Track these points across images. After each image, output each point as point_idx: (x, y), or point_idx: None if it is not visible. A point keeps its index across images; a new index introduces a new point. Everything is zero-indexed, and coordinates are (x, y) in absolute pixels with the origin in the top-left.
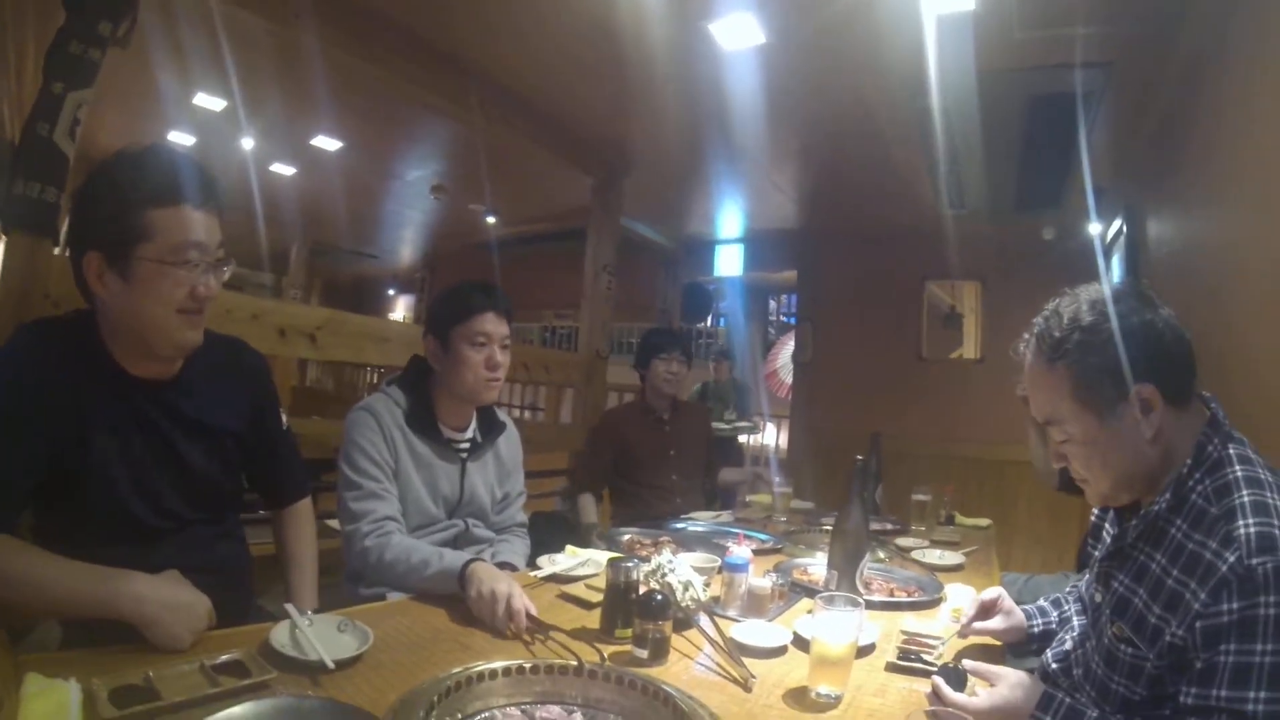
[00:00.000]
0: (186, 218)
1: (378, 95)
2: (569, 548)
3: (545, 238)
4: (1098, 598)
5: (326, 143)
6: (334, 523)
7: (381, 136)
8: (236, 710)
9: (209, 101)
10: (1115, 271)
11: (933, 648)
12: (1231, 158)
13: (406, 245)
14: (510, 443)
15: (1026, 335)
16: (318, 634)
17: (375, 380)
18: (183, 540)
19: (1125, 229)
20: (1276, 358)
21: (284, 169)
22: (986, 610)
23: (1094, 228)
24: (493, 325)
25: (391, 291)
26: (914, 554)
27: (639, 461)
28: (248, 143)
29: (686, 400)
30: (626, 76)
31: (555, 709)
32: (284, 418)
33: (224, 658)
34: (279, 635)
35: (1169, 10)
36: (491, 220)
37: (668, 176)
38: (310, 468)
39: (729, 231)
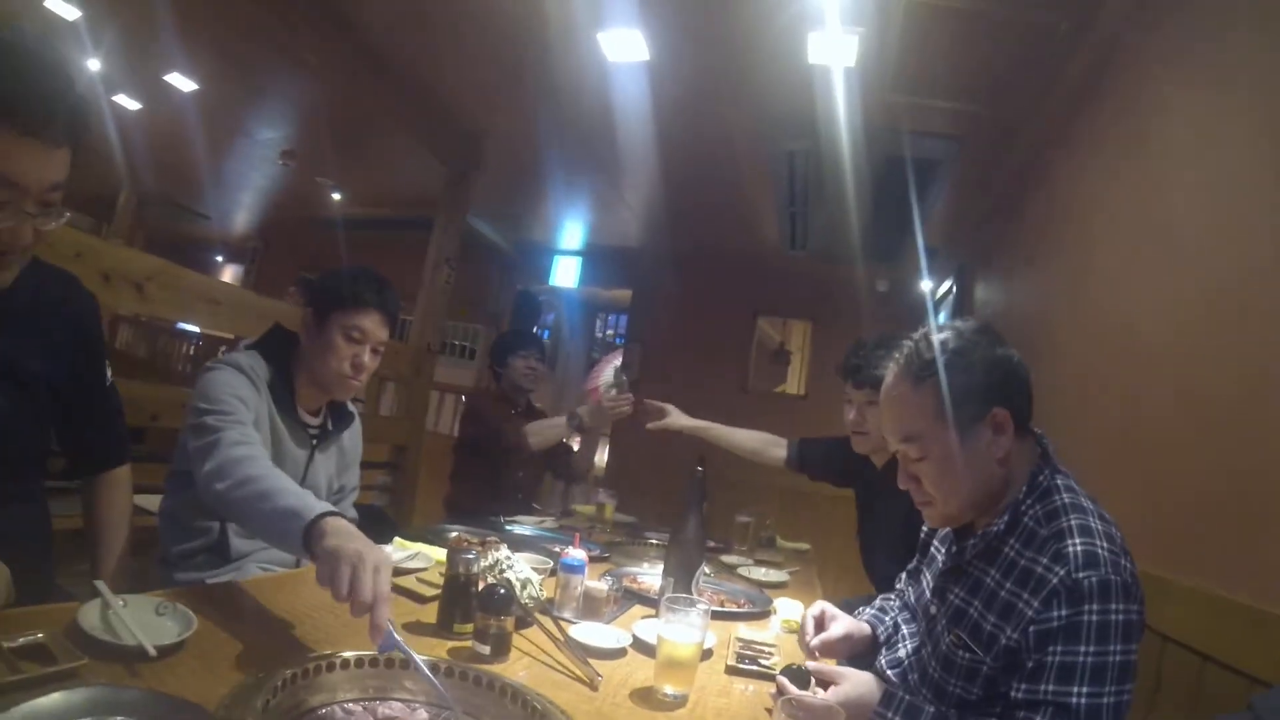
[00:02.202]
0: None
1: (244, 36)
2: (397, 540)
3: (386, 223)
4: (933, 610)
5: (180, 81)
6: (142, 499)
7: (240, 86)
8: (45, 701)
9: (61, 8)
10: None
11: (769, 653)
12: (1054, 238)
13: (243, 210)
14: (354, 436)
15: (896, 355)
16: (134, 617)
17: (192, 352)
18: None
19: (955, 289)
20: (1080, 416)
21: (129, 102)
22: (819, 624)
23: (926, 284)
24: (373, 325)
25: (220, 258)
26: (740, 570)
27: (496, 447)
28: (94, 65)
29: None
30: (506, 67)
31: (397, 705)
32: (109, 373)
33: (24, 640)
34: (88, 616)
35: (1020, 103)
36: (337, 197)
37: (521, 177)
38: None
39: (570, 242)
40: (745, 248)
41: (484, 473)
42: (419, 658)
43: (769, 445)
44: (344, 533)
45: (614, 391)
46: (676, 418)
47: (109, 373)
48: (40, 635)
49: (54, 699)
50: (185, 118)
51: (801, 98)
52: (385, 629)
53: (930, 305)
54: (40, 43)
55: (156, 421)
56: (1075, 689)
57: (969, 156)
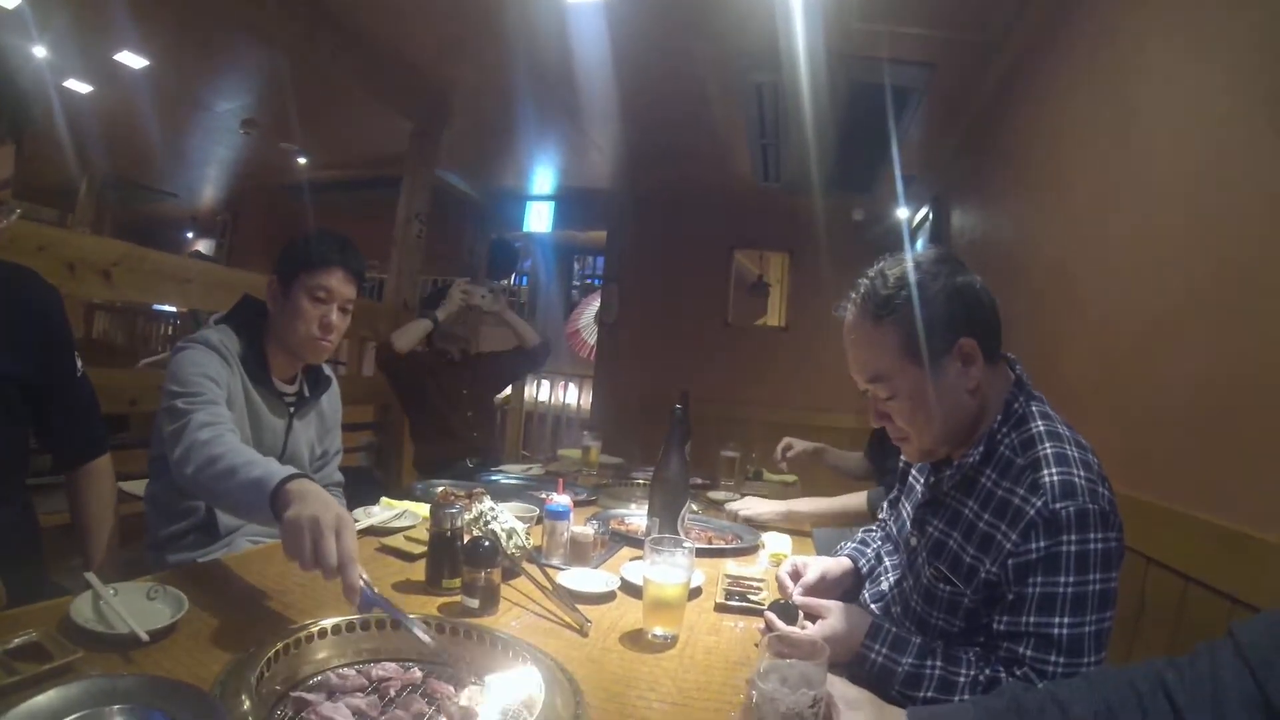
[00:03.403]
0: None
1: (194, 7)
2: (384, 500)
3: (355, 184)
4: (913, 542)
5: (131, 59)
6: (129, 485)
7: (193, 59)
8: (42, 699)
9: None
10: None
11: (758, 589)
12: (1030, 162)
13: (210, 184)
14: (333, 399)
15: (852, 294)
16: (125, 604)
17: (170, 333)
18: None
19: (931, 216)
20: (1055, 340)
21: (79, 86)
22: (795, 577)
23: (902, 212)
24: (338, 283)
25: (190, 234)
26: (727, 506)
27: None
28: (40, 51)
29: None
30: (464, 15)
31: (391, 666)
32: (79, 363)
33: (18, 640)
34: (81, 609)
35: (992, 24)
36: (303, 162)
37: (487, 127)
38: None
39: (541, 188)
40: (718, 182)
41: (432, 423)
42: (398, 611)
43: (858, 468)
44: (304, 496)
45: (484, 293)
46: (795, 442)
47: (79, 364)
48: (34, 634)
49: (50, 696)
50: (139, 97)
51: (765, 28)
52: (359, 588)
53: (906, 233)
54: None
55: (136, 406)
56: (1057, 619)
57: (942, 83)
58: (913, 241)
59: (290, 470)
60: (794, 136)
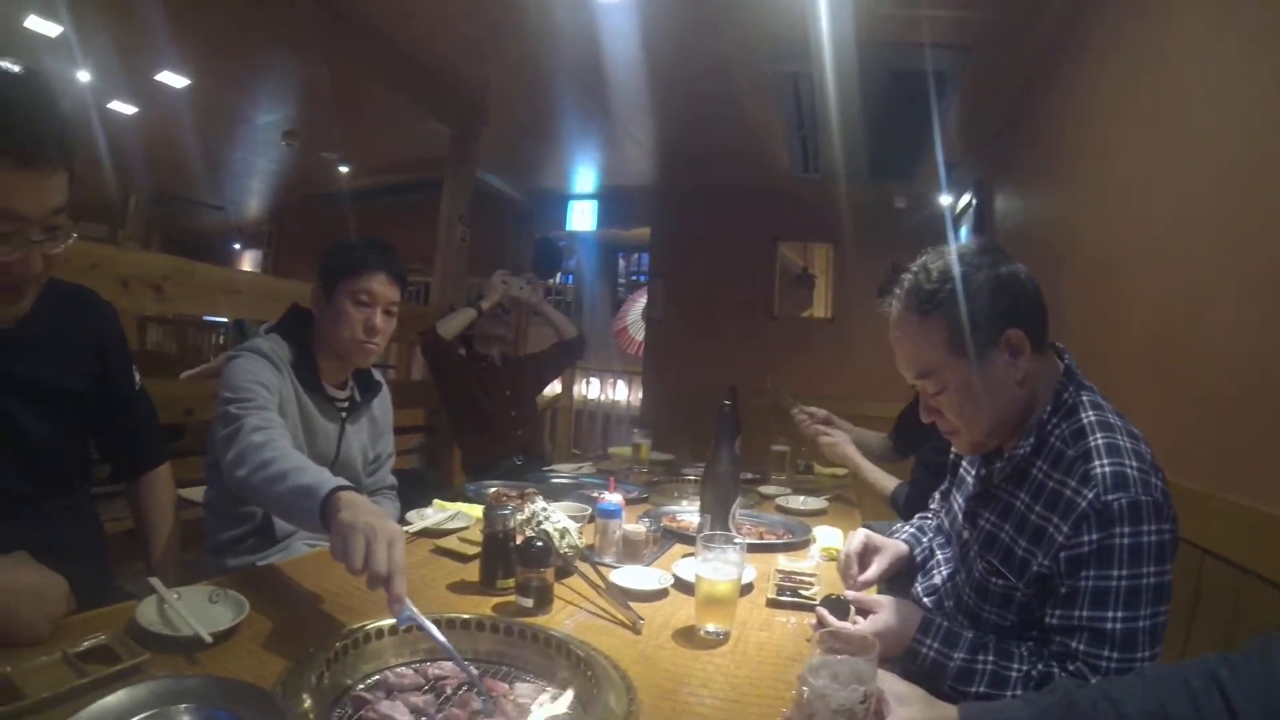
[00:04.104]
0: None
1: (228, 26)
2: (436, 502)
3: (397, 189)
4: (965, 535)
5: (172, 79)
6: (187, 491)
7: (232, 75)
8: (111, 700)
9: (42, 26)
10: (964, 241)
11: (809, 584)
12: (1069, 142)
13: (254, 196)
14: (384, 403)
15: (897, 290)
16: (189, 607)
17: (220, 342)
18: (26, 520)
19: (975, 202)
20: (1100, 323)
21: (124, 107)
22: (864, 558)
23: (944, 199)
24: (380, 286)
25: (237, 246)
26: (778, 500)
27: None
28: (84, 76)
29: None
30: (496, 18)
31: (448, 665)
32: (137, 376)
33: (88, 643)
34: (146, 613)
35: (1026, 6)
36: (344, 170)
37: (525, 128)
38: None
39: (583, 186)
40: (759, 175)
41: (476, 424)
42: (437, 634)
43: (883, 448)
44: (358, 506)
45: (523, 284)
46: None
47: (137, 377)
48: (103, 637)
49: (119, 696)
50: (182, 114)
51: (796, 18)
52: (404, 600)
53: (949, 220)
54: (24, 73)
55: (192, 416)
56: (1110, 614)
57: (977, 66)
58: (956, 228)
59: (341, 481)
60: (831, 126)
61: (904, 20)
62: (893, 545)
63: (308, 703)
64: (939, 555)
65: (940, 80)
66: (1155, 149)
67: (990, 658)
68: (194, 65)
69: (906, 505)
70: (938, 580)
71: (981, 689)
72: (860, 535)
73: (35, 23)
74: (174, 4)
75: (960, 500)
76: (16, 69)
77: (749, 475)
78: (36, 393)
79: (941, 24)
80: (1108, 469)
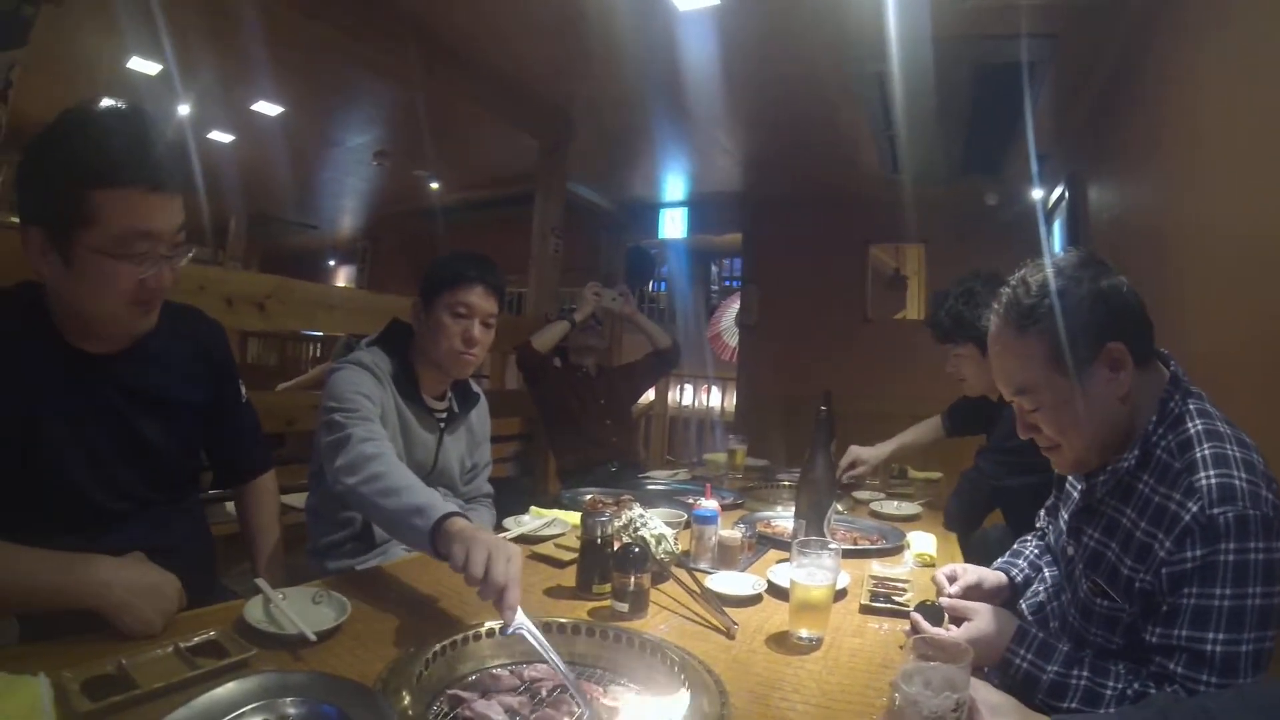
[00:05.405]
0: (136, 204)
1: (319, 56)
2: (534, 509)
3: (489, 203)
4: (1069, 552)
5: (267, 108)
6: (289, 497)
7: (323, 101)
8: (220, 691)
9: (143, 65)
10: (1057, 236)
11: (902, 590)
12: (1168, 132)
13: (347, 214)
14: (481, 414)
15: (994, 305)
16: (293, 607)
17: (318, 354)
18: (143, 522)
19: (1068, 195)
20: (1213, 328)
21: (222, 136)
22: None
23: (1036, 193)
24: (478, 299)
25: (332, 262)
26: (872, 505)
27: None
28: (184, 109)
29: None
30: (578, 35)
31: (544, 667)
32: (243, 389)
33: (198, 638)
34: (254, 611)
35: None
36: (435, 186)
37: (613, 139)
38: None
39: (673, 194)
40: (847, 177)
41: (571, 433)
42: (543, 643)
43: (935, 430)
44: (469, 528)
45: (615, 295)
46: (864, 454)
47: (243, 390)
48: (212, 633)
49: (229, 688)
50: (276, 141)
51: (877, 17)
52: (518, 609)
53: (1041, 215)
54: (141, 109)
55: (293, 426)
56: (1210, 635)
57: (1066, 54)
58: (1049, 223)
59: (452, 506)
60: (918, 124)
61: (989, 11)
62: (987, 571)
63: (407, 700)
64: (1045, 573)
65: (1028, 70)
66: (1250, 121)
67: (1085, 673)
68: (288, 95)
69: (958, 514)
70: (1042, 598)
71: (1074, 705)
72: (946, 568)
73: (137, 63)
74: (270, 39)
75: (1065, 516)
76: (135, 106)
77: (843, 479)
78: (158, 404)
79: (1027, 12)
80: (1214, 480)
